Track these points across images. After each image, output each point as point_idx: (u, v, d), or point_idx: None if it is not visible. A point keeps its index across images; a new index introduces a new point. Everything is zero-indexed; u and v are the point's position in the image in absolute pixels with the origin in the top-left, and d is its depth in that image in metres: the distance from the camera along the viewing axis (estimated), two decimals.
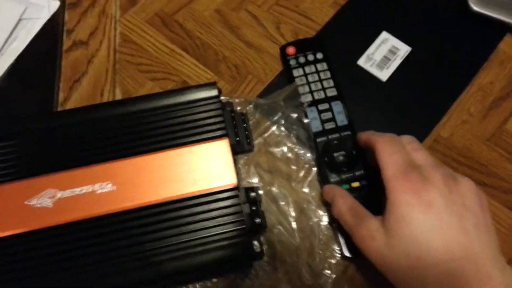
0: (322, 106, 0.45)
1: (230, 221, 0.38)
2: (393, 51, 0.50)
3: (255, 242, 0.39)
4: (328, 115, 0.45)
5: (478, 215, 0.31)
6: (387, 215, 0.32)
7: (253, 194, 0.40)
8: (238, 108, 0.46)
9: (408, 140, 0.37)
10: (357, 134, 0.41)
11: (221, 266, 0.38)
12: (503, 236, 0.42)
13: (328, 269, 0.40)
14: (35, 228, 0.37)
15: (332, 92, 0.46)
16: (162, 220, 0.37)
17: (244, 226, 0.38)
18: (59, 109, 0.48)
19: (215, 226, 0.38)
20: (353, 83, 0.48)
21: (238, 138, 0.43)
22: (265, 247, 0.41)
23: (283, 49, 0.49)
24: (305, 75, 0.47)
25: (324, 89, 0.46)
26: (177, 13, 0.53)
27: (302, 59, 0.47)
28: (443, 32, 0.51)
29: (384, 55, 0.50)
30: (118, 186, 0.38)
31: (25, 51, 0.52)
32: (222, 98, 0.45)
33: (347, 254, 0.40)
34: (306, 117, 0.45)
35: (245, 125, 0.44)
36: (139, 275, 0.36)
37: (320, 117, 0.45)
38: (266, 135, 0.46)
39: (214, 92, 0.43)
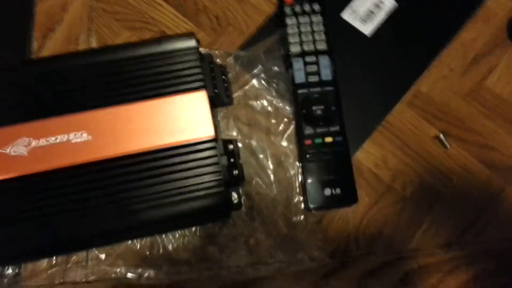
0: (309, 58, 0.44)
1: (207, 172, 0.38)
2: (378, 5, 0.49)
3: (234, 193, 0.40)
4: (313, 68, 0.44)
5: None
6: None
7: (231, 146, 0.40)
8: (218, 60, 0.45)
9: None
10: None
11: (199, 216, 0.39)
12: (477, 192, 0.43)
13: (304, 220, 0.41)
14: (10, 177, 0.37)
15: (321, 46, 0.45)
16: (139, 170, 0.37)
17: (221, 177, 0.38)
18: (34, 57, 0.46)
19: (192, 176, 0.38)
20: (336, 36, 0.47)
21: (216, 90, 0.42)
22: (243, 199, 0.41)
23: None
24: (298, 24, 0.46)
25: (314, 41, 0.45)
26: None
27: (298, 8, 0.46)
28: None
29: (369, 8, 0.49)
30: (93, 136, 0.38)
31: None
32: (201, 49, 0.44)
33: (311, 205, 0.41)
34: (288, 69, 0.44)
35: (224, 77, 0.44)
36: (116, 223, 0.37)
37: (305, 69, 0.44)
38: (246, 88, 0.45)
39: (192, 43, 0.42)
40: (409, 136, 0.45)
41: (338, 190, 0.41)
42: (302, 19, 0.46)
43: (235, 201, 0.40)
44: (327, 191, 0.41)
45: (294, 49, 0.45)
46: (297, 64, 0.44)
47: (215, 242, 0.40)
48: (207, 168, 0.38)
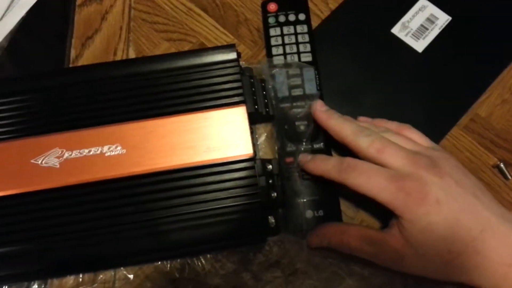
0: (292, 71, 0.42)
1: (243, 193, 0.35)
2: (431, 20, 0.45)
3: (271, 217, 0.37)
4: (297, 81, 0.41)
5: (470, 183, 0.33)
6: (408, 230, 0.32)
7: (270, 166, 0.38)
8: (257, 74, 0.43)
9: (366, 141, 0.34)
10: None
11: (233, 239, 0.36)
12: None
13: None
14: (40, 189, 0.35)
15: (307, 57, 0.42)
16: (172, 188, 0.35)
17: (259, 199, 0.35)
18: (71, 65, 0.46)
19: (227, 197, 0.35)
20: (385, 53, 0.44)
21: (256, 106, 0.40)
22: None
23: (264, 4, 0.45)
24: (282, 35, 0.43)
25: (299, 53, 0.43)
26: None
27: (282, 18, 0.44)
28: (487, 1, 0.46)
29: (421, 23, 0.45)
30: (127, 150, 0.36)
31: (37, 5, 0.49)
32: (241, 63, 0.41)
33: (290, 228, 0.38)
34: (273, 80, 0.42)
35: (264, 93, 0.41)
36: (145, 243, 0.35)
37: (288, 82, 0.41)
38: None
39: (232, 55, 0.40)
40: (465, 163, 0.41)
41: (321, 212, 0.38)
42: (286, 30, 0.43)
43: (272, 226, 0.37)
44: (309, 213, 0.38)
45: (277, 61, 0.42)
46: (280, 77, 0.41)
47: (249, 269, 0.38)
48: (243, 189, 0.36)
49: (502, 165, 0.40)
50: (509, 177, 0.40)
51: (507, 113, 0.42)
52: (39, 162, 0.36)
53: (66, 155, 0.36)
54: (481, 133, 0.42)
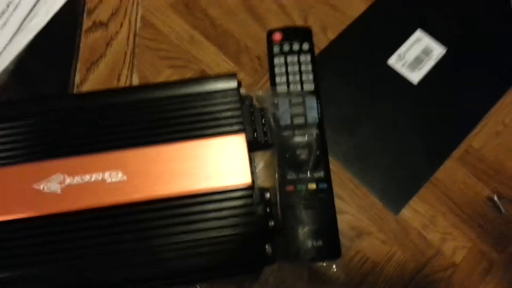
0: (295, 99, 0.43)
1: (241, 222, 0.36)
2: (426, 52, 0.47)
3: (268, 246, 0.37)
4: (299, 109, 0.42)
5: None
6: None
7: (268, 195, 0.38)
8: (257, 102, 0.44)
9: None
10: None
11: (230, 268, 0.37)
12: None
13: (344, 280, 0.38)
14: (41, 214, 0.36)
15: (309, 87, 0.43)
16: (172, 215, 0.36)
17: (256, 228, 0.36)
18: (75, 90, 0.47)
19: (225, 226, 0.36)
20: (382, 84, 0.45)
21: (256, 135, 0.40)
22: None
23: (269, 34, 0.46)
24: (286, 64, 0.45)
25: (302, 82, 0.44)
26: None
27: (286, 47, 0.45)
28: (482, 34, 0.48)
29: (417, 55, 0.47)
30: (128, 176, 0.37)
31: (45, 29, 0.50)
32: (242, 90, 0.42)
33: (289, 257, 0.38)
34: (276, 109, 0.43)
35: (264, 121, 0.42)
36: (143, 271, 0.35)
37: (290, 110, 0.42)
38: None
39: (233, 84, 0.41)
40: (460, 195, 0.42)
41: (320, 242, 0.38)
42: (290, 59, 0.45)
43: (269, 254, 0.37)
44: (308, 243, 0.38)
45: (281, 89, 0.43)
46: (283, 106, 0.42)
47: None
48: (241, 218, 0.36)
49: (495, 198, 0.41)
50: (503, 210, 0.40)
51: (500, 145, 0.43)
52: (41, 187, 0.36)
53: (68, 181, 0.36)
54: (475, 165, 0.43)
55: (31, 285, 0.35)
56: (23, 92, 0.47)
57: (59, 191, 0.36)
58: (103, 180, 0.37)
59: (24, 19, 0.51)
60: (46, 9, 0.51)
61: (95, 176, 0.37)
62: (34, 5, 0.51)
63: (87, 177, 0.37)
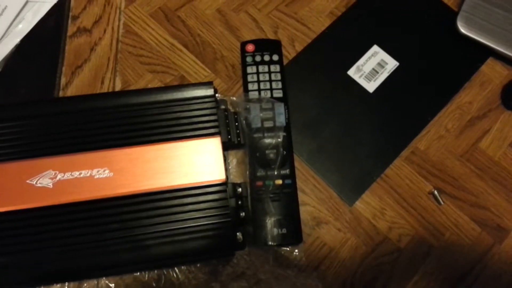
0: (265, 105, 0.48)
1: (216, 213, 0.41)
2: (381, 65, 0.53)
3: (239, 234, 0.42)
4: (269, 114, 0.47)
5: None
6: None
7: (239, 189, 0.43)
8: (231, 106, 0.49)
9: None
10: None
11: (206, 254, 0.41)
12: (468, 248, 0.46)
13: (302, 263, 0.44)
14: (34, 206, 0.39)
15: (278, 94, 0.49)
16: (153, 207, 0.40)
17: (230, 219, 0.41)
18: (61, 93, 0.50)
19: (202, 217, 0.41)
20: (342, 92, 0.51)
21: (229, 136, 0.45)
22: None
23: (243, 45, 0.51)
24: (258, 73, 0.50)
25: (272, 89, 0.49)
26: (180, 9, 0.55)
27: (258, 58, 0.50)
28: (431, 50, 0.54)
29: (373, 67, 0.53)
30: (114, 173, 0.41)
31: (30, 34, 0.53)
32: (217, 95, 0.47)
33: (258, 242, 0.43)
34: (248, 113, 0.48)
35: (237, 123, 0.47)
36: (128, 256, 0.39)
37: (261, 115, 0.47)
38: None
39: (210, 92, 0.46)
40: (405, 190, 0.48)
41: (284, 230, 0.43)
42: (261, 68, 0.50)
43: (240, 241, 0.43)
44: (274, 230, 0.43)
45: (252, 95, 0.48)
46: (254, 110, 0.47)
47: (218, 280, 0.43)
48: (216, 210, 0.41)
49: (436, 192, 0.47)
50: (441, 203, 0.47)
51: (442, 147, 0.50)
52: (34, 182, 0.40)
53: (59, 176, 0.40)
54: (420, 164, 0.49)
55: (24, 270, 0.39)
56: (9, 95, 0.50)
57: (51, 185, 0.40)
58: (91, 176, 0.41)
59: (11, 24, 0.53)
60: (32, 14, 0.54)
61: (84, 173, 0.41)
62: (20, 11, 0.54)
63: (76, 173, 0.41)
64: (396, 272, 0.45)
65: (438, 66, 0.53)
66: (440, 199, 0.47)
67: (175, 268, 0.43)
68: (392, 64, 0.53)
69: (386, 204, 0.47)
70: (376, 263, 0.45)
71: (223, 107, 0.47)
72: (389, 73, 0.53)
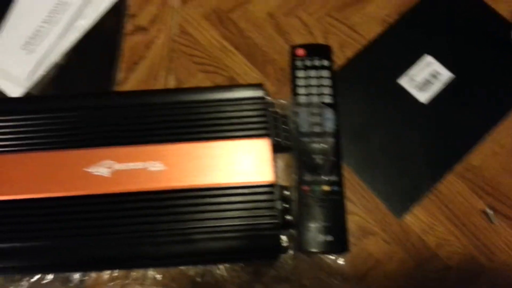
0: (314, 110, 0.47)
1: (263, 214, 0.41)
2: (435, 75, 0.52)
3: (283, 237, 0.42)
4: (317, 119, 0.47)
5: None
6: None
7: (287, 192, 0.43)
8: (280, 109, 0.49)
9: None
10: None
11: (250, 254, 0.42)
12: None
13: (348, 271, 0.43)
14: (90, 193, 0.41)
15: (327, 99, 0.48)
16: (203, 203, 0.41)
17: (277, 221, 0.41)
18: (117, 87, 0.52)
19: (249, 216, 0.41)
20: (392, 100, 0.50)
21: (277, 139, 0.45)
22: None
23: (293, 49, 0.51)
24: (307, 78, 0.49)
25: (321, 94, 0.49)
26: (233, 12, 0.56)
27: (308, 62, 0.50)
28: (485, 62, 0.53)
29: (426, 78, 0.52)
30: (167, 167, 0.42)
31: (91, 30, 0.55)
32: (266, 97, 0.47)
33: (302, 248, 0.43)
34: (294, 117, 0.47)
35: (285, 126, 0.47)
36: (176, 248, 0.40)
37: (309, 119, 0.47)
38: None
39: (259, 93, 0.46)
40: (457, 206, 0.46)
41: (330, 237, 0.43)
42: (311, 73, 0.49)
43: (285, 245, 0.42)
44: (320, 237, 0.43)
45: (302, 100, 0.48)
46: (303, 114, 0.47)
47: (262, 281, 0.43)
48: (263, 211, 0.41)
49: (488, 211, 0.46)
50: (494, 222, 0.45)
51: (497, 164, 0.48)
52: (92, 170, 0.41)
53: (116, 166, 0.42)
54: (473, 180, 0.47)
55: (76, 255, 0.40)
56: (70, 87, 0.52)
57: (107, 174, 0.41)
58: (146, 168, 0.42)
59: (72, 19, 0.56)
60: (93, 11, 0.57)
61: (139, 164, 0.42)
62: (82, 7, 0.56)
63: (132, 165, 0.42)
64: None
65: (493, 79, 0.52)
66: (492, 218, 0.45)
67: (220, 266, 0.43)
68: (446, 75, 0.52)
69: (436, 219, 0.46)
70: (424, 279, 0.44)
71: (272, 109, 0.47)
72: (443, 84, 0.51)
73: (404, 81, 0.52)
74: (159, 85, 0.52)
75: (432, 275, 0.44)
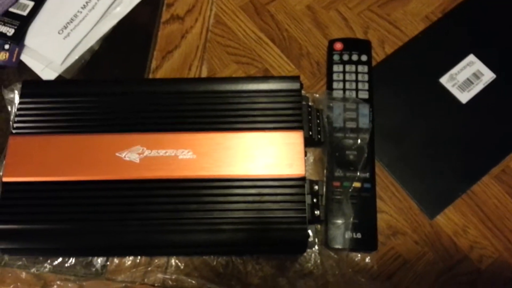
0: (349, 105, 0.46)
1: (292, 207, 0.41)
2: (477, 75, 0.50)
3: (310, 232, 0.42)
4: (352, 114, 0.46)
5: None
6: None
7: (316, 187, 0.43)
8: (314, 103, 0.48)
9: None
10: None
11: (277, 247, 0.41)
12: None
13: (375, 271, 0.42)
14: (120, 178, 0.41)
15: (363, 95, 0.47)
16: (232, 194, 0.41)
17: (305, 215, 0.40)
18: (151, 75, 0.52)
19: (278, 209, 0.40)
20: (432, 99, 0.49)
21: (311, 133, 0.45)
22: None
23: (331, 43, 0.50)
24: (344, 72, 0.48)
25: (357, 90, 0.47)
26: (270, 4, 0.56)
27: (346, 57, 0.49)
28: None
29: (468, 77, 0.50)
30: (197, 156, 0.42)
31: (127, 17, 0.56)
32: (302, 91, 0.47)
33: (329, 244, 0.42)
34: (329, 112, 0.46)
35: (319, 121, 0.46)
36: (202, 237, 0.40)
37: (344, 115, 0.46)
38: None
39: (296, 86, 0.45)
40: (492, 210, 0.45)
41: (359, 235, 0.42)
42: (348, 68, 0.48)
43: (311, 240, 0.42)
44: (348, 234, 0.42)
45: (337, 94, 0.47)
46: (337, 109, 0.46)
47: (285, 275, 0.42)
48: (292, 204, 0.41)
49: None
50: None
51: None
52: (123, 155, 0.42)
53: (146, 153, 0.42)
54: (510, 184, 0.45)
55: (102, 239, 0.41)
56: (104, 72, 0.53)
57: (138, 160, 0.42)
58: (176, 156, 0.42)
59: (110, 6, 0.56)
60: None
61: (169, 152, 0.42)
62: None
63: (162, 152, 0.42)
64: None
65: None
66: None
67: (243, 258, 0.43)
68: (488, 75, 0.50)
69: (469, 222, 0.44)
70: (453, 282, 0.42)
71: (306, 103, 0.47)
72: (484, 85, 0.49)
73: (445, 80, 0.50)
74: (192, 74, 0.52)
75: (462, 278, 0.42)
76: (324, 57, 0.52)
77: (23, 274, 0.43)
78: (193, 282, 0.42)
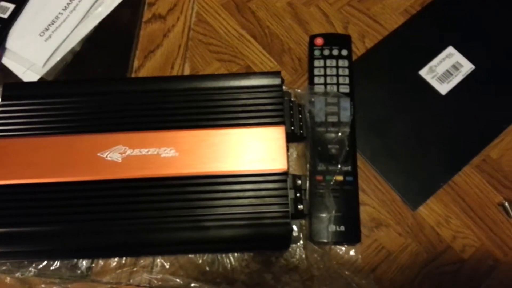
0: (330, 99, 0.47)
1: (275, 202, 0.41)
2: (456, 67, 0.50)
3: (294, 227, 0.42)
4: (334, 108, 0.46)
5: None
6: None
7: (299, 181, 0.43)
8: (296, 99, 0.49)
9: None
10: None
11: (261, 243, 0.42)
12: None
13: (360, 264, 0.43)
14: (102, 178, 0.41)
15: (344, 89, 0.48)
16: (215, 190, 0.41)
17: (288, 210, 0.40)
18: (133, 75, 0.52)
19: (261, 204, 0.41)
20: (412, 92, 0.49)
21: (293, 128, 0.45)
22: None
23: (312, 38, 0.51)
24: (325, 67, 0.49)
25: (338, 84, 0.48)
26: (251, 1, 0.56)
27: (326, 52, 0.49)
28: (508, 56, 0.51)
29: (447, 69, 0.50)
30: (180, 153, 0.42)
31: (108, 17, 0.56)
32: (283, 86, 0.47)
33: (313, 238, 0.43)
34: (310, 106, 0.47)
35: (301, 115, 0.47)
36: (186, 235, 0.40)
37: (325, 109, 0.46)
38: None
39: (277, 81, 0.46)
40: (474, 199, 0.45)
41: (342, 228, 0.42)
42: (329, 62, 0.49)
43: (295, 234, 0.42)
44: (331, 227, 0.42)
45: (318, 89, 0.47)
46: (319, 104, 0.47)
47: (271, 271, 0.43)
48: (275, 199, 0.41)
49: (506, 204, 0.44)
50: (511, 216, 0.44)
51: None
52: (105, 155, 0.42)
53: (128, 152, 0.42)
54: (491, 173, 0.46)
55: (85, 240, 0.40)
56: (86, 73, 0.53)
57: (120, 160, 0.42)
58: (158, 154, 0.42)
59: (91, 7, 0.56)
60: None
61: (151, 150, 0.42)
62: None
63: (144, 151, 0.42)
64: (457, 284, 0.42)
65: None
66: (510, 212, 0.44)
67: (229, 255, 0.43)
68: (467, 67, 0.50)
69: (451, 212, 0.45)
70: (437, 272, 0.43)
71: (288, 98, 0.47)
72: (464, 76, 0.50)
73: (424, 72, 0.51)
74: (174, 73, 0.52)
75: (445, 268, 0.43)
76: (306, 53, 0.52)
77: (8, 279, 0.43)
78: (179, 281, 0.43)
